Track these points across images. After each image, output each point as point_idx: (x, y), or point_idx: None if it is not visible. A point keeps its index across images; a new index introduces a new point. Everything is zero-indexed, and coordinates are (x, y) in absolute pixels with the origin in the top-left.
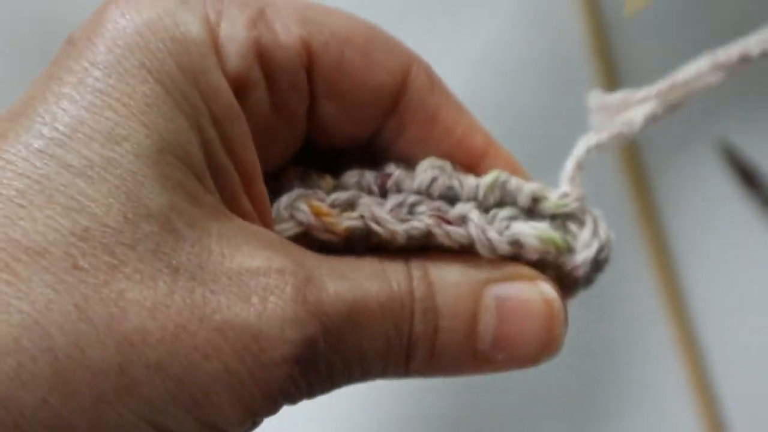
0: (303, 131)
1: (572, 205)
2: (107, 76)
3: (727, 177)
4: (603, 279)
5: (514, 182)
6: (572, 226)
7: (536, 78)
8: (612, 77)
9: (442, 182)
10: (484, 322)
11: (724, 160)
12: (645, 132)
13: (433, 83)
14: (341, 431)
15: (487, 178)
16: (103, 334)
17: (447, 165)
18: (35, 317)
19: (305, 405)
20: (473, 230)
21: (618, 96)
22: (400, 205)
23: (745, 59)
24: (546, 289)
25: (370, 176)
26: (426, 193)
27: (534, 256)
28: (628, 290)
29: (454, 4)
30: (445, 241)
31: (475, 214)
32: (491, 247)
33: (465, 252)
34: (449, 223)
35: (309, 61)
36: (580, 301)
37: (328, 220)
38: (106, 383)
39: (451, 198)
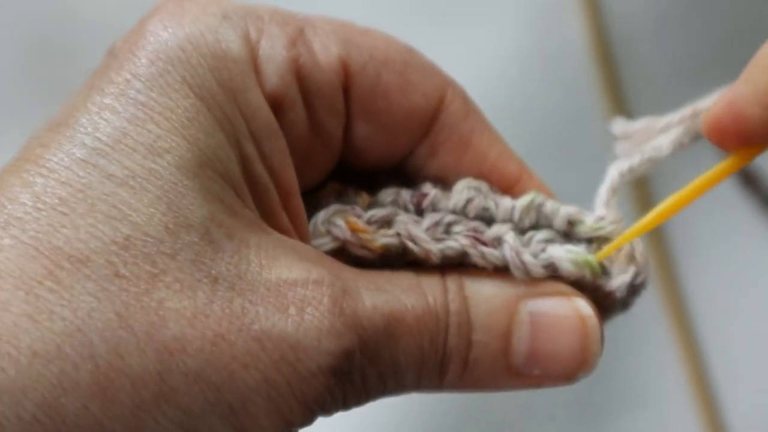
0: (338, 150)
1: (608, 228)
2: (149, 89)
3: (728, 177)
4: None
5: (550, 205)
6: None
7: (537, 79)
8: (612, 77)
9: (478, 203)
10: (517, 337)
11: None
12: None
13: (468, 108)
14: (341, 427)
15: (524, 200)
16: (143, 343)
17: (483, 186)
18: (77, 325)
19: None
20: (508, 252)
21: (641, 123)
22: (436, 224)
23: None
24: (581, 305)
25: (406, 195)
26: (462, 213)
27: (570, 279)
28: None
29: (456, 7)
30: (480, 262)
31: (510, 236)
32: (525, 270)
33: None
34: (485, 244)
35: (346, 81)
36: None
37: (365, 236)
38: (145, 391)
39: (487, 219)
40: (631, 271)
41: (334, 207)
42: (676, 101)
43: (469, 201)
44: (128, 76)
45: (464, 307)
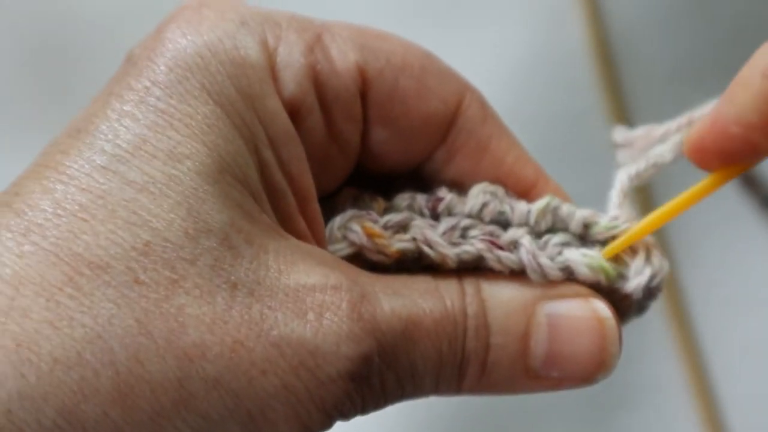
0: (356, 155)
1: (622, 227)
2: (168, 96)
3: None
4: None
5: (565, 208)
6: (624, 255)
7: (538, 81)
8: (613, 80)
9: (493, 207)
10: (535, 339)
11: None
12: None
13: (486, 113)
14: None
15: (539, 204)
16: (163, 349)
17: (499, 190)
18: (98, 331)
19: None
20: (524, 256)
21: (640, 131)
22: (452, 228)
23: None
24: (599, 306)
25: (421, 199)
26: (478, 217)
27: (586, 282)
28: None
29: (458, 10)
30: (496, 266)
31: (526, 240)
32: (542, 273)
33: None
34: (501, 248)
35: (364, 87)
36: None
37: (380, 241)
38: (165, 397)
39: (503, 223)
40: (647, 273)
41: (350, 212)
42: (677, 103)
43: (484, 205)
44: (147, 83)
45: (482, 310)
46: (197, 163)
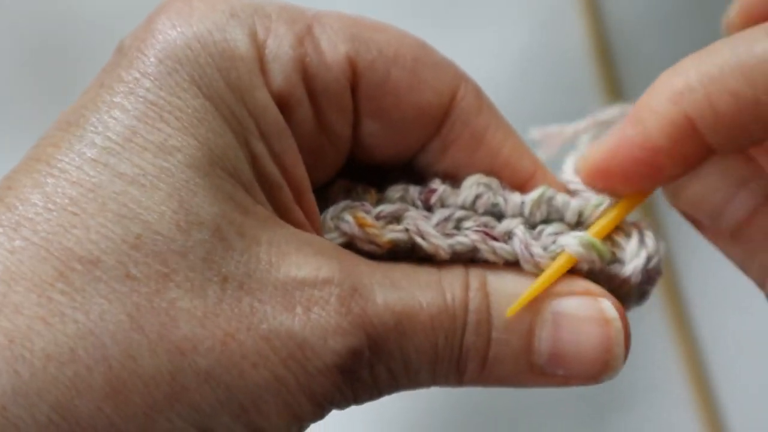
0: (348, 147)
1: (607, 202)
2: (158, 88)
3: None
4: None
5: (560, 198)
6: (619, 239)
7: (537, 80)
8: (613, 79)
9: (487, 199)
10: (539, 336)
11: None
12: None
13: (481, 104)
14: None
15: (534, 194)
16: (155, 343)
17: (493, 182)
18: (90, 327)
19: None
20: (517, 246)
21: (553, 129)
22: (446, 219)
23: None
24: (606, 306)
25: (414, 191)
26: (471, 208)
27: (583, 267)
28: None
29: (457, 9)
30: (491, 257)
31: (520, 230)
32: (534, 263)
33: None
34: (495, 239)
35: (354, 79)
36: None
37: (372, 231)
38: (158, 391)
39: (497, 215)
40: (643, 255)
41: (343, 203)
42: None
43: (478, 197)
44: (137, 75)
45: (485, 304)
46: (188, 156)
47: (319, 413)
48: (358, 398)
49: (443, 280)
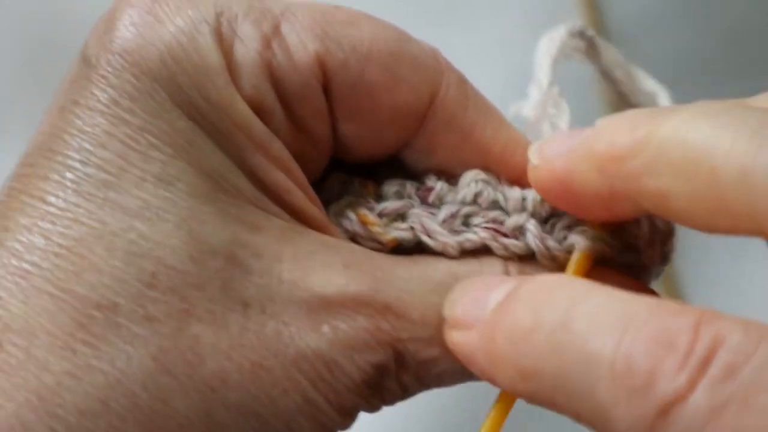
0: (329, 148)
1: None
2: (142, 111)
3: None
4: None
5: None
6: (630, 227)
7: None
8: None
9: (487, 195)
10: None
11: None
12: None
13: (466, 99)
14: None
15: (537, 194)
16: (184, 384)
17: (492, 178)
18: (117, 377)
19: None
20: (532, 241)
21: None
22: (453, 216)
23: None
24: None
25: (411, 187)
26: (475, 204)
27: (597, 258)
28: None
29: (455, 8)
30: (502, 254)
31: (532, 224)
32: (551, 256)
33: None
34: (505, 235)
35: (325, 80)
36: None
37: (375, 229)
38: (193, 430)
39: (501, 210)
40: (657, 243)
41: (346, 199)
42: (676, 102)
43: (477, 195)
44: (114, 95)
45: None
46: (189, 185)
47: (350, 422)
48: (386, 403)
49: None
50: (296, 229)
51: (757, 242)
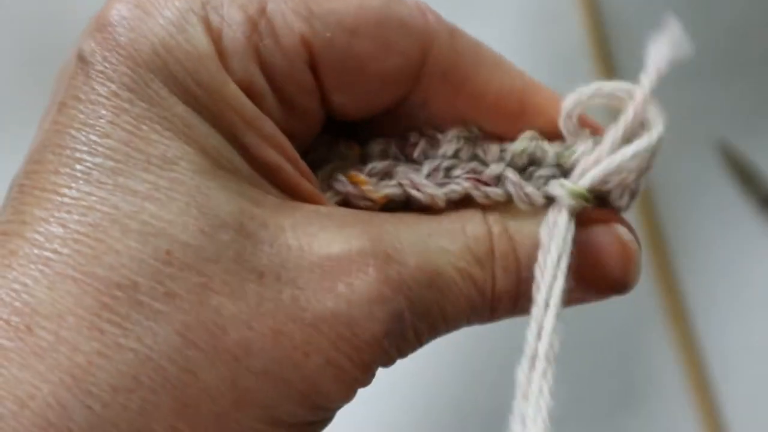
0: (319, 119)
1: (577, 151)
2: (140, 100)
3: (727, 177)
4: None
5: (539, 152)
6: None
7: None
8: (613, 78)
9: (467, 151)
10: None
11: (723, 161)
12: None
13: (458, 53)
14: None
15: (516, 146)
16: (210, 355)
17: (474, 131)
18: (146, 353)
19: None
20: (511, 188)
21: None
22: (435, 169)
23: None
24: (622, 231)
25: (395, 146)
26: (456, 157)
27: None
28: None
29: (455, 7)
30: (484, 201)
31: (510, 172)
32: (530, 202)
33: None
34: (486, 183)
35: (312, 60)
36: None
37: (367, 187)
38: (223, 400)
39: (481, 161)
40: (627, 186)
41: (334, 163)
42: (677, 103)
43: (458, 150)
44: (113, 87)
45: (510, 247)
46: (192, 163)
47: (371, 377)
48: (402, 355)
49: (466, 228)
50: (289, 204)
51: (757, 243)
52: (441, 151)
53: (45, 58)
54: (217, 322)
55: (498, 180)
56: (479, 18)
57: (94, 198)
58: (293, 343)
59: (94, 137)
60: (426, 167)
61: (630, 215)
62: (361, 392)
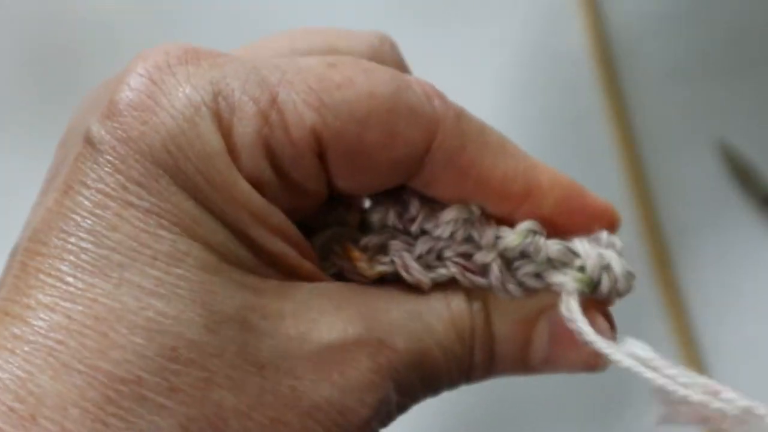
0: (323, 197)
1: (589, 275)
2: (149, 194)
3: (726, 177)
4: None
5: (533, 248)
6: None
7: (536, 80)
8: (613, 79)
9: (462, 233)
10: (536, 346)
11: (723, 160)
12: (645, 132)
13: (465, 138)
14: None
15: (510, 242)
16: None
17: (473, 214)
18: None
19: None
20: (494, 281)
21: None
22: (429, 251)
23: None
24: (597, 319)
25: (394, 216)
26: (450, 239)
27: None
28: None
29: (455, 9)
30: (469, 286)
31: (497, 265)
32: (510, 296)
33: None
34: (473, 272)
35: (320, 150)
36: None
37: (360, 264)
38: None
39: (474, 243)
40: (613, 277)
41: (332, 230)
42: (677, 103)
43: (453, 233)
44: (122, 180)
45: (487, 324)
46: (197, 259)
47: None
48: (386, 426)
49: (451, 304)
50: (290, 286)
51: (757, 243)
52: (437, 232)
53: (45, 58)
54: (219, 415)
55: (485, 269)
56: (479, 19)
57: (99, 290)
58: (291, 430)
59: (100, 228)
60: (419, 247)
61: (630, 215)
62: None
